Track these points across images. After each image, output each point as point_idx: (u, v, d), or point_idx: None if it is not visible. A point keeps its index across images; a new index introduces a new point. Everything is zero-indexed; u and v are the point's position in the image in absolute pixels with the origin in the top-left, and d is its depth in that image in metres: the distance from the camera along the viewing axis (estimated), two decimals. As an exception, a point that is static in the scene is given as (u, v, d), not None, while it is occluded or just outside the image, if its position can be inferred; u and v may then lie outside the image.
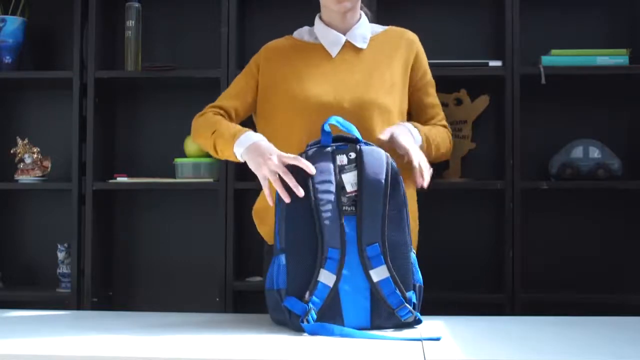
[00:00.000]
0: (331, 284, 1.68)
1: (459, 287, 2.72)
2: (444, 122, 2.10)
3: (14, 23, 2.75)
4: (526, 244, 2.63)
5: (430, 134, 2.00)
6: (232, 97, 2.05)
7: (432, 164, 1.92)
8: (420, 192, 1.94)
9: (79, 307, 2.65)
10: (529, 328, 1.78)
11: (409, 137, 1.89)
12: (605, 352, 1.50)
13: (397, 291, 1.69)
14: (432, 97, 2.10)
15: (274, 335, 1.67)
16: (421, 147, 1.93)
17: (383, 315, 1.70)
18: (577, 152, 2.59)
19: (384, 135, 1.86)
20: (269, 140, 1.86)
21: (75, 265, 2.66)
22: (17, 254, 2.90)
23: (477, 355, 1.46)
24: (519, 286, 2.53)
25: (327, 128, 1.77)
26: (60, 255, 2.72)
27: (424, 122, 2.06)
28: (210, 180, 2.66)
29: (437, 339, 1.59)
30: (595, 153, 2.59)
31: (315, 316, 1.66)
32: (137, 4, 2.74)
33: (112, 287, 2.84)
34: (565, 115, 2.77)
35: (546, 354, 1.50)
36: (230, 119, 2.02)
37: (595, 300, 2.57)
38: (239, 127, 1.91)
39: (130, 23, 2.73)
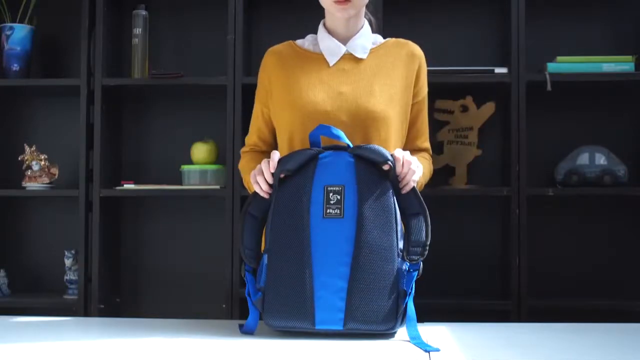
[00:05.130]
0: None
1: (465, 294, 2.72)
2: (427, 144, 2.08)
3: (22, 31, 2.77)
4: (532, 251, 2.63)
5: (425, 172, 1.98)
6: (259, 125, 2.08)
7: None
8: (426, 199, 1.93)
9: (86, 313, 2.65)
10: (535, 335, 1.78)
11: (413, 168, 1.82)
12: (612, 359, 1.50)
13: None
14: (423, 116, 2.07)
15: (279, 341, 1.67)
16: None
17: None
18: (583, 158, 2.59)
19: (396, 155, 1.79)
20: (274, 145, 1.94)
21: (83, 271, 2.67)
22: (25, 261, 2.91)
23: (483, 362, 1.47)
24: (525, 293, 2.53)
25: (317, 137, 1.79)
26: (68, 262, 2.73)
27: (410, 139, 2.04)
28: (217, 187, 2.67)
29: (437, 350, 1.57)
30: (601, 160, 2.59)
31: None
32: (144, 12, 2.76)
33: (119, 293, 2.85)
34: (571, 122, 2.77)
35: (552, 360, 1.50)
36: (268, 147, 2.08)
37: (602, 306, 2.57)
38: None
39: (138, 31, 2.75)
